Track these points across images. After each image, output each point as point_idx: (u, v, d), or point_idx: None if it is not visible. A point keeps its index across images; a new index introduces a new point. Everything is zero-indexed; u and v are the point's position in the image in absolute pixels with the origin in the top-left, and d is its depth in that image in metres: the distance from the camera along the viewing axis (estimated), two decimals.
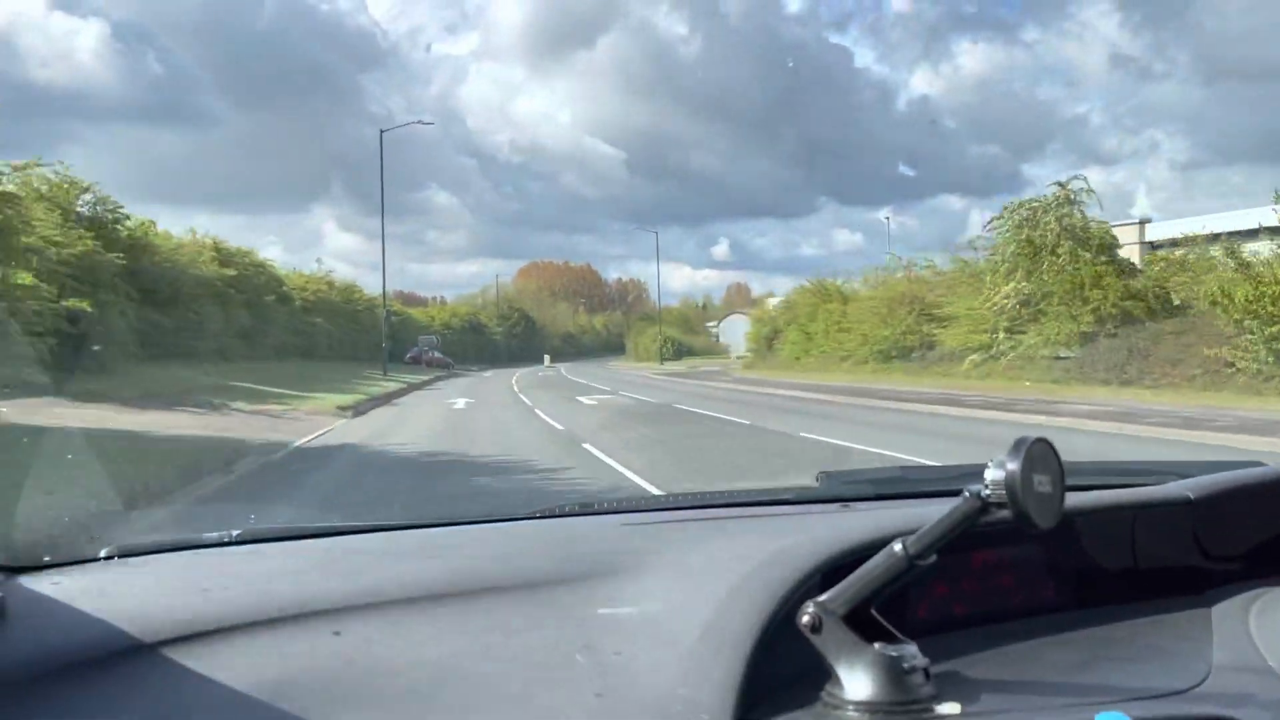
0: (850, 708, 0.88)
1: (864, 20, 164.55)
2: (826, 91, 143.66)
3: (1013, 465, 0.84)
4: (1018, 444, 0.86)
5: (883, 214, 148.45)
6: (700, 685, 0.89)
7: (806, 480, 1.75)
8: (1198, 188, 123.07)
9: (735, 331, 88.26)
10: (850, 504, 1.52)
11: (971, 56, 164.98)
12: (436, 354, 55.60)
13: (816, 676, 0.93)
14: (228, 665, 0.94)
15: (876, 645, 0.90)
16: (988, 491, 0.86)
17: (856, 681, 0.89)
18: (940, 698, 0.90)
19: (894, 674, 0.89)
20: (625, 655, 0.96)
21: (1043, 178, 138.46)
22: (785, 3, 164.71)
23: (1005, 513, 0.86)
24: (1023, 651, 1.08)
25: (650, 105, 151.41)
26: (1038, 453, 0.87)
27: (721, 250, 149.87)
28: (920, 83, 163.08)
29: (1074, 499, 1.22)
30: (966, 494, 0.88)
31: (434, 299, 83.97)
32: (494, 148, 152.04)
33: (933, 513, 0.92)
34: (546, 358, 67.22)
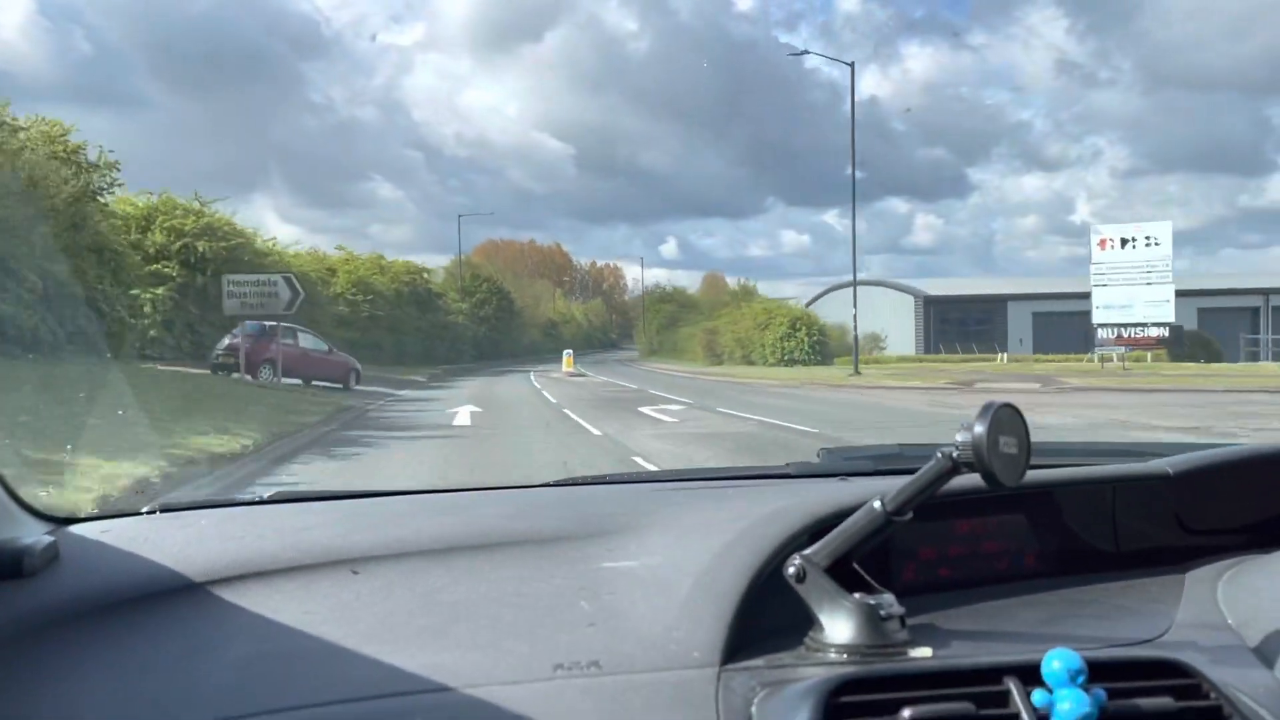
0: (831, 650, 0.97)
1: (814, 20, 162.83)
2: (775, 91, 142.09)
3: (979, 428, 0.92)
4: (984, 409, 0.94)
5: (829, 215, 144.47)
6: (692, 628, 0.97)
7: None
8: (1135, 196, 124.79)
9: (869, 313, 37.42)
10: (849, 478, 1.58)
11: (919, 60, 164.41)
12: (307, 344, 21.84)
13: (802, 625, 1.01)
14: (260, 603, 1.03)
15: (856, 595, 0.99)
16: (957, 453, 0.94)
17: (837, 626, 0.98)
18: (914, 643, 0.98)
19: (872, 620, 0.97)
20: (625, 602, 1.05)
21: (988, 182, 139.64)
22: (735, 0, 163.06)
23: (974, 472, 0.93)
24: (997, 609, 1.16)
25: (599, 101, 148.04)
26: (1004, 417, 0.94)
27: (670, 249, 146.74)
28: (869, 84, 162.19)
29: (1056, 473, 1.31)
30: (939, 455, 0.96)
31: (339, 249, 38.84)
32: (440, 140, 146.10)
33: None
34: (568, 355, 37.90)
